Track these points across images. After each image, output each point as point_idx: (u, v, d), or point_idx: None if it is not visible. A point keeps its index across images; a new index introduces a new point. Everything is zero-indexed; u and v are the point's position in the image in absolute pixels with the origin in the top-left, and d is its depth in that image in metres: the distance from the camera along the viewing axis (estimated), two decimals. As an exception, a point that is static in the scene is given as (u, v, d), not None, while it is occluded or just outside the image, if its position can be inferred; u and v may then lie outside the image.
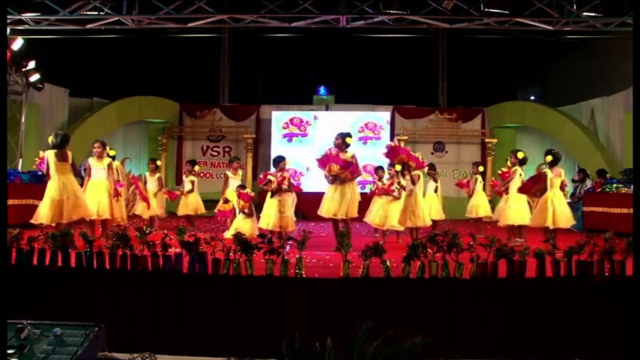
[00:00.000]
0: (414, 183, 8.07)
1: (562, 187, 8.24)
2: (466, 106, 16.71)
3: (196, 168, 11.68)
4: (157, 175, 10.74)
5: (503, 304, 5.08)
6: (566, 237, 7.30)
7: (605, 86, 13.89)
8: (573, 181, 13.41)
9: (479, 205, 10.53)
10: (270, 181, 8.45)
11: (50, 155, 7.49)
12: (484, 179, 11.11)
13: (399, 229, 8.63)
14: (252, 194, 9.04)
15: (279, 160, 8.65)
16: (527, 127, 16.34)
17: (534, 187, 8.15)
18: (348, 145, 7.86)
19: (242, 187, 9.05)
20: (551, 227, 7.85)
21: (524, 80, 17.69)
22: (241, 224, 8.41)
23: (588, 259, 5.24)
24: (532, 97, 17.77)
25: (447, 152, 16.47)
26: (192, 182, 10.97)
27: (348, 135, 7.96)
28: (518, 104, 16.67)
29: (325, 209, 7.85)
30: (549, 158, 8.12)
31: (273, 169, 8.95)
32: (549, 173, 8.04)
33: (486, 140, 16.15)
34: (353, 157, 7.82)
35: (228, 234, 7.63)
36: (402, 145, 15.15)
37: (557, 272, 5.20)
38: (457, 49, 16.59)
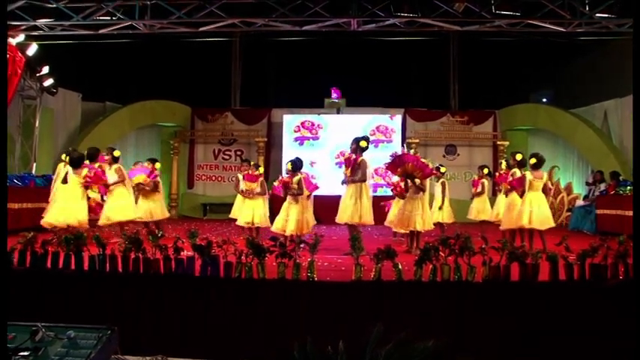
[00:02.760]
0: (423, 190, 7.88)
1: (545, 190, 8.35)
2: (478, 109, 16.65)
3: (157, 165, 10.25)
4: (116, 166, 9.08)
5: (515, 307, 5.04)
6: (579, 240, 7.25)
7: (619, 88, 13.77)
8: (587, 183, 13.32)
9: (481, 208, 10.50)
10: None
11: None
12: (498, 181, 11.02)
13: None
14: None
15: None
16: (539, 130, 16.26)
17: (520, 188, 8.29)
18: (362, 149, 7.82)
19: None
20: (527, 227, 8.05)
21: (536, 82, 17.58)
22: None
23: (602, 263, 5.20)
24: (544, 100, 17.66)
25: (458, 155, 16.42)
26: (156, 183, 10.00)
27: (363, 139, 7.89)
28: (530, 106, 16.58)
29: (339, 216, 7.86)
30: (533, 160, 8.24)
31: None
32: (529, 175, 8.13)
33: (498, 143, 16.08)
34: (360, 162, 7.75)
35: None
36: (413, 149, 15.27)
37: (570, 276, 5.16)
38: (468, 51, 16.54)
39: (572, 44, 13.29)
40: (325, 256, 6.71)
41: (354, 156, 7.87)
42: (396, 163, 7.78)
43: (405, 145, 12.49)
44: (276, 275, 5.18)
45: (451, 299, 5.08)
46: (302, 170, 8.45)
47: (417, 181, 7.72)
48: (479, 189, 10.61)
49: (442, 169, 10.41)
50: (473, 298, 5.09)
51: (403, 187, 8.03)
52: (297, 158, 8.48)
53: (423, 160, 7.93)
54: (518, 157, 8.98)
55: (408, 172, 7.70)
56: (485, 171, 10.79)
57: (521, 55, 15.75)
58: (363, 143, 7.81)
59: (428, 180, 8.11)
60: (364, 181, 7.78)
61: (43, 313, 4.24)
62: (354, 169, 7.79)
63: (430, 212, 8.21)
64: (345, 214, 7.77)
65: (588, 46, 13.76)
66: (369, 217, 7.78)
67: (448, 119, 16.53)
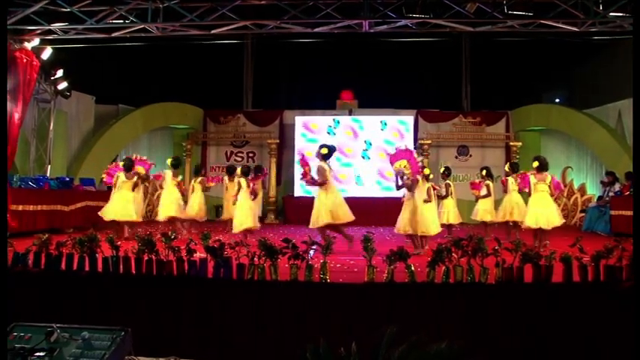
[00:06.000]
0: (410, 189, 8.11)
1: (550, 192, 8.57)
2: (490, 110, 16.58)
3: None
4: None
5: (529, 309, 5.01)
6: (593, 241, 7.20)
7: (633, 87, 13.64)
8: (602, 183, 13.20)
9: (488, 209, 10.47)
10: None
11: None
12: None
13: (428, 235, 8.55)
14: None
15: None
16: (552, 131, 16.15)
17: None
18: (323, 156, 8.46)
19: None
20: (534, 227, 8.43)
21: (549, 83, 17.48)
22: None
23: (617, 264, 5.15)
24: (557, 100, 17.55)
25: (470, 156, 16.35)
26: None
27: (325, 146, 8.58)
28: (543, 107, 16.49)
29: (312, 221, 8.45)
30: (535, 164, 8.57)
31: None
32: (532, 178, 8.45)
33: (511, 144, 15.98)
34: (317, 168, 8.46)
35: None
36: (424, 151, 15.24)
37: (584, 277, 5.12)
38: (480, 52, 16.49)
39: (585, 44, 13.15)
40: (338, 258, 6.71)
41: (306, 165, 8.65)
42: (395, 156, 8.29)
43: (416, 146, 12.54)
44: (288, 277, 5.19)
45: (464, 301, 5.05)
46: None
47: (407, 180, 8.03)
48: (483, 192, 10.55)
49: (441, 169, 10.61)
50: (486, 299, 5.06)
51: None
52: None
53: (416, 157, 8.31)
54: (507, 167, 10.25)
55: (399, 169, 8.11)
56: (484, 172, 10.71)
57: (533, 56, 15.65)
58: (323, 150, 8.53)
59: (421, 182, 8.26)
60: (324, 183, 8.37)
61: (58, 314, 4.28)
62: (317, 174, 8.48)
63: (421, 215, 8.22)
64: (315, 218, 8.37)
65: (602, 46, 13.64)
66: (341, 214, 8.27)
67: (460, 120, 16.46)
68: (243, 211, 9.42)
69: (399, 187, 8.32)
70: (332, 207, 8.26)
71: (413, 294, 5.09)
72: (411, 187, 8.08)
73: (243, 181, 9.64)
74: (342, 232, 8.34)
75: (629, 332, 4.75)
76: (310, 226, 8.44)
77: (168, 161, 10.95)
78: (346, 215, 8.35)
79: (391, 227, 9.25)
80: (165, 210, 10.66)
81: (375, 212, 13.19)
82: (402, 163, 8.07)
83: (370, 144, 16.00)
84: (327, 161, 8.53)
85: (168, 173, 10.77)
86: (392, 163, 8.30)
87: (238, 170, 10.22)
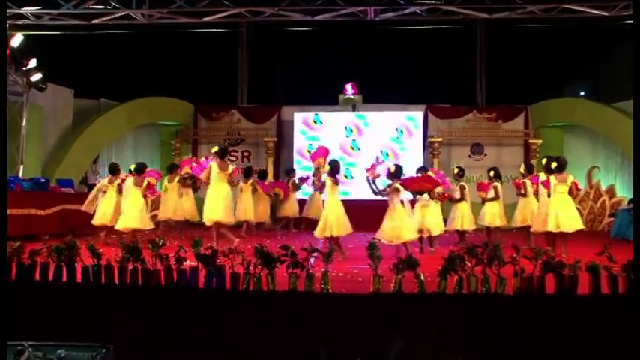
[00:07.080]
0: (318, 190, 8.89)
1: (571, 193, 8.77)
2: (507, 104, 16.51)
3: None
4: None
5: (551, 323, 4.98)
6: (624, 249, 7.16)
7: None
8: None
9: (496, 213, 10.45)
10: None
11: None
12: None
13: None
14: None
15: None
16: (576, 127, 16.07)
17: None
18: (215, 153, 9.55)
19: None
20: (554, 231, 8.57)
21: (574, 74, 17.38)
22: None
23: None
24: (582, 93, 17.50)
25: (485, 155, 16.29)
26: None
27: (218, 145, 9.87)
28: (567, 101, 16.40)
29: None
30: (554, 164, 8.73)
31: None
32: (552, 179, 8.63)
33: (530, 141, 15.93)
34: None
35: None
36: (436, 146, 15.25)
37: (614, 289, 5.08)
38: (497, 41, 16.44)
39: (615, 29, 13.08)
40: (340, 266, 6.69)
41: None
42: (315, 154, 8.98)
43: (426, 144, 12.50)
44: (287, 287, 5.17)
45: (478, 313, 5.03)
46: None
47: (316, 181, 8.96)
48: (491, 194, 10.53)
49: (454, 169, 10.68)
50: (503, 312, 5.03)
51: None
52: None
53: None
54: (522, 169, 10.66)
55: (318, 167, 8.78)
56: (492, 173, 10.70)
57: (556, 44, 15.61)
58: (214, 149, 9.70)
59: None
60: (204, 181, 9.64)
61: (29, 331, 4.25)
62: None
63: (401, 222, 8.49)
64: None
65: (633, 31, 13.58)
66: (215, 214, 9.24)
67: (474, 116, 16.40)
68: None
69: (375, 193, 8.53)
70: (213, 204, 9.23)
71: (423, 305, 5.07)
72: (320, 189, 8.58)
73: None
74: (225, 233, 9.41)
75: (629, 333, 4.73)
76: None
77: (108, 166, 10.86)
78: (220, 217, 9.27)
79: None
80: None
81: (381, 216, 13.14)
82: (321, 162, 8.57)
83: (358, 147, 15.89)
84: (225, 160, 9.67)
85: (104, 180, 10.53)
86: (312, 160, 8.98)
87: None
